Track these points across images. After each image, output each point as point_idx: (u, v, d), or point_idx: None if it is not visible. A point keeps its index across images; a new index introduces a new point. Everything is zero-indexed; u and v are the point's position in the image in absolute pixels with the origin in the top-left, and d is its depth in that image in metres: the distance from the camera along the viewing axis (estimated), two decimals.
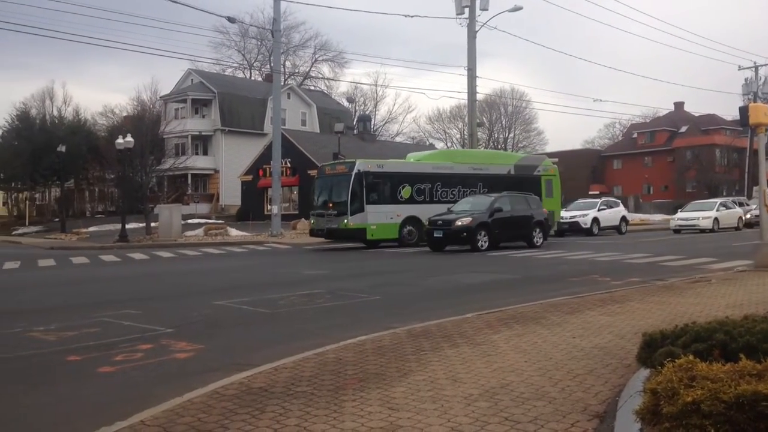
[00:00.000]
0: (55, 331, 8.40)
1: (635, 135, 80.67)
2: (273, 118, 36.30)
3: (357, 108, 74.66)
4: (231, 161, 54.34)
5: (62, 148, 42.86)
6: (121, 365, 6.62)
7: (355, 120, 63.32)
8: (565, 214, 31.84)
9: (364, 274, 15.61)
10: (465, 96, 37.44)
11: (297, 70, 74.77)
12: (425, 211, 24.37)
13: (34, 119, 57.57)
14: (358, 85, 77.19)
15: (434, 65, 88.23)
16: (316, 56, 75.73)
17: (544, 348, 6.64)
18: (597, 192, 66.21)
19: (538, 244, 22.82)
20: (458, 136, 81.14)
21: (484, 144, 78.47)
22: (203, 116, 58.32)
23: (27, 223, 53.69)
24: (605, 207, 33.15)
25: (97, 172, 55.12)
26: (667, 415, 3.36)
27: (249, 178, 50.28)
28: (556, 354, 6.37)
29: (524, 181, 27.82)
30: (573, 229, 31.20)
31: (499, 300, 10.35)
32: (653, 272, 14.28)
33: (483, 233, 21.45)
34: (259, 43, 71.95)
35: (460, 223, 21.32)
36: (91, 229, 40.76)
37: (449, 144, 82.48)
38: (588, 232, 31.04)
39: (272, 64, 41.58)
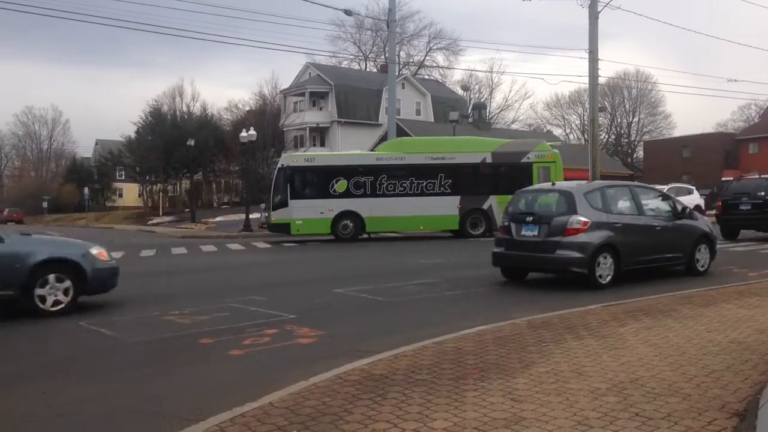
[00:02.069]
0: (189, 315, 8.89)
1: None
2: (388, 108, 36.61)
3: (472, 96, 73.95)
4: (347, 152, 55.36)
5: (191, 143, 45.27)
6: (249, 349, 6.91)
7: (470, 108, 62.76)
8: None
9: (481, 264, 15.40)
10: (585, 80, 36.09)
11: (411, 60, 75.02)
12: (366, 206, 23.57)
13: (166, 115, 61.14)
14: (473, 72, 76.59)
15: (552, 49, 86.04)
16: (431, 45, 75.58)
17: (676, 342, 6.30)
18: (730, 178, 62.15)
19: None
20: (578, 122, 78.68)
21: (605, 129, 75.62)
22: (320, 108, 59.73)
23: (160, 214, 57.32)
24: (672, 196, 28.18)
25: (223, 165, 57.92)
26: None
27: None
28: (690, 348, 6.03)
29: (506, 171, 24.29)
30: None
31: (622, 292, 9.94)
32: None
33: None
34: (374, 34, 72.69)
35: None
36: (218, 219, 42.82)
37: (567, 131, 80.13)
38: None
39: (387, 55, 41.86)
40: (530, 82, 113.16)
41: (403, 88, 58.93)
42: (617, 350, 6.03)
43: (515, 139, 31.41)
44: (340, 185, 23.69)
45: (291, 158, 25.22)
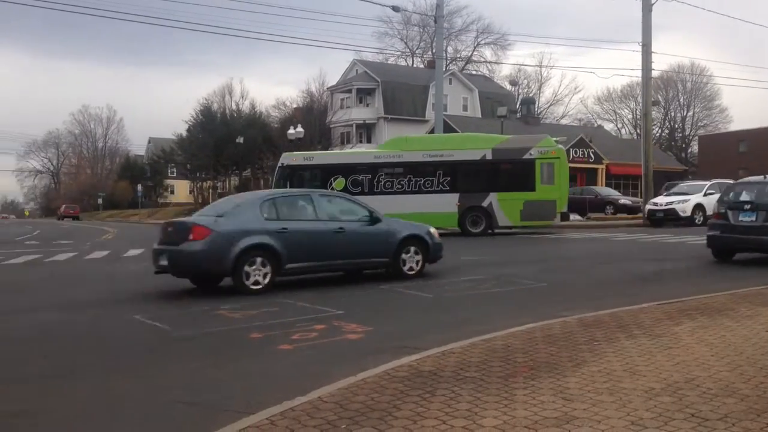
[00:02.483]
0: (239, 310, 9.02)
1: None
2: (435, 104, 36.51)
3: (520, 91, 73.19)
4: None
5: (240, 140, 46.00)
6: (297, 344, 6.97)
7: (519, 103, 62.15)
8: (660, 200, 27.22)
9: (529, 261, 15.29)
10: (638, 73, 35.33)
11: (459, 55, 74.70)
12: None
13: (216, 113, 62.17)
14: (522, 67, 75.69)
15: (603, 42, 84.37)
16: (479, 40, 75.12)
17: (734, 342, 6.12)
18: None
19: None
20: (630, 116, 77.11)
21: (659, 124, 73.93)
22: (367, 105, 59.94)
23: None
24: (714, 191, 24.83)
25: (271, 162, 58.49)
26: None
27: None
28: (748, 348, 5.84)
29: (507, 168, 23.93)
30: (670, 217, 25.98)
31: (676, 290, 9.70)
32: None
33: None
34: (422, 30, 72.63)
35: None
36: None
37: (619, 125, 78.60)
38: (689, 222, 25.46)
39: (434, 51, 41.76)
40: (581, 76, 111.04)
41: (450, 83, 58.69)
42: (672, 349, 5.89)
43: (518, 135, 30.69)
44: (338, 183, 23.81)
45: (291, 157, 25.32)
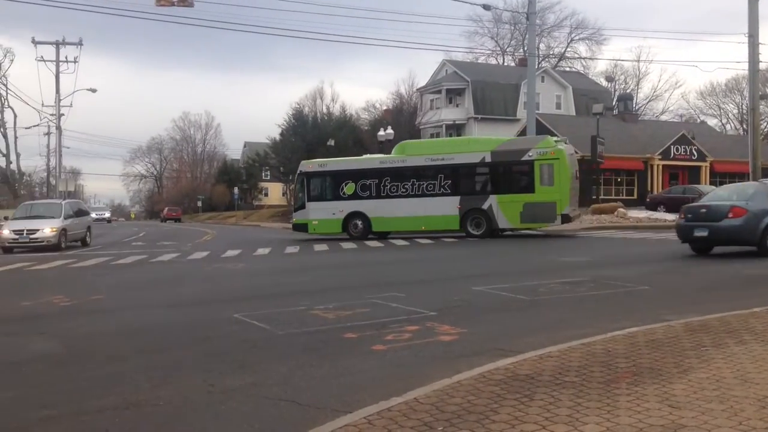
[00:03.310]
0: (333, 310, 9.16)
1: None
2: (527, 102, 35.88)
3: (617, 87, 70.77)
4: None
5: (331, 143, 46.83)
6: (391, 344, 7.00)
7: (615, 100, 60.19)
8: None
9: (630, 263, 14.75)
10: (744, 66, 33.49)
11: (551, 52, 73.09)
12: (372, 206, 25.00)
13: (307, 117, 63.55)
14: (618, 62, 73.31)
15: (706, 34, 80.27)
16: (572, 36, 73.27)
17: None
18: None
19: None
20: (735, 111, 73.17)
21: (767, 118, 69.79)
22: (457, 105, 59.60)
23: None
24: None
25: None
26: None
27: None
28: None
29: (506, 170, 23.99)
30: None
31: None
32: None
33: None
34: (513, 27, 71.53)
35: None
36: None
37: (724, 121, 74.78)
38: None
39: (526, 48, 41.04)
40: (682, 70, 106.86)
41: (543, 81, 57.49)
42: None
43: (518, 137, 30.86)
44: (349, 188, 25.46)
45: (308, 164, 27.20)
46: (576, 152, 25.38)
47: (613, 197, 42.67)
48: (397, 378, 5.64)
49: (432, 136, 55.78)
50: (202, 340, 7.76)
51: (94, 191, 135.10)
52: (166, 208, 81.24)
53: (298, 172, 26.94)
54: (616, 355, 5.82)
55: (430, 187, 24.55)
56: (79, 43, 46.08)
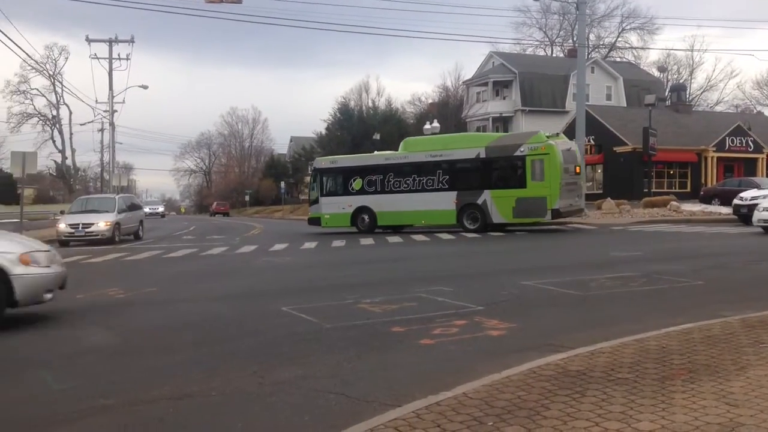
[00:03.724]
0: (379, 303, 9.17)
1: None
2: (576, 94, 35.32)
3: (670, 77, 69.05)
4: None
5: (377, 137, 46.87)
6: (438, 338, 6.97)
7: (668, 90, 58.65)
8: (746, 194, 23.67)
9: (683, 257, 14.40)
10: None
11: (602, 43, 71.77)
12: (377, 201, 26.09)
13: (353, 111, 63.75)
14: (671, 52, 71.36)
15: (762, 22, 77.58)
16: (623, 25, 71.77)
17: None
18: None
19: None
20: None
21: None
22: (504, 98, 59.00)
23: None
24: None
25: None
26: None
27: None
28: None
29: (500, 165, 24.44)
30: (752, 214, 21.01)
31: None
32: None
33: None
34: (561, 18, 70.48)
35: None
36: None
37: None
38: None
39: (576, 39, 40.34)
40: (738, 59, 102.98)
41: (593, 72, 56.46)
42: None
43: (510, 133, 31.24)
44: (357, 183, 26.72)
45: (321, 161, 28.92)
46: (573, 147, 25.00)
47: (665, 190, 41.67)
48: (445, 372, 5.61)
49: (478, 129, 55.36)
50: (252, 332, 7.85)
51: (146, 186, 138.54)
52: (215, 203, 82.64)
53: (312, 168, 28.41)
54: (671, 352, 5.68)
55: (430, 183, 25.38)
56: (131, 41, 47.26)
